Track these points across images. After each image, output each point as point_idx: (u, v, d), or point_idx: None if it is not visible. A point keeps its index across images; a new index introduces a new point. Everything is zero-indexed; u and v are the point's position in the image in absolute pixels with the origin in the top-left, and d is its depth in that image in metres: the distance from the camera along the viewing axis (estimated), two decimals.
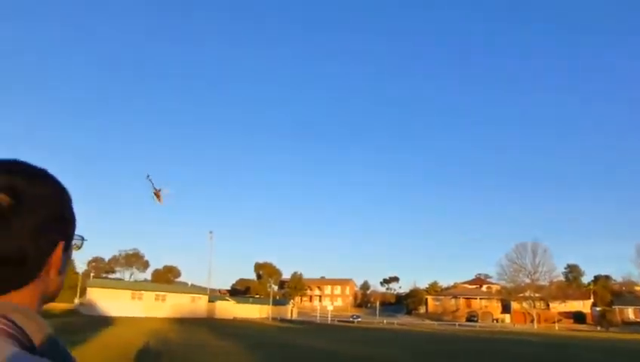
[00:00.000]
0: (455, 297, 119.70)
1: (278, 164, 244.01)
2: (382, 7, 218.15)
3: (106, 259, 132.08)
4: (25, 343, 0.79)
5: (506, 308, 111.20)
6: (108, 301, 66.46)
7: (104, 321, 47.99)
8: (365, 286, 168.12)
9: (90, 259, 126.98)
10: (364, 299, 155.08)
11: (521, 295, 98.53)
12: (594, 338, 54.93)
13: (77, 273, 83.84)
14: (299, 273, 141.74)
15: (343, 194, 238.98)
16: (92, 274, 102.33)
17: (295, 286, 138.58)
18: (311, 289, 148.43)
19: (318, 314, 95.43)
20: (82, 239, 1.09)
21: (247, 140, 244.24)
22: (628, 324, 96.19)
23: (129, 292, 71.97)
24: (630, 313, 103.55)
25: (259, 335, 40.65)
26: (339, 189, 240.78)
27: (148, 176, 43.02)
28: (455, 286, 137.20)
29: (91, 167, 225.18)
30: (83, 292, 75.70)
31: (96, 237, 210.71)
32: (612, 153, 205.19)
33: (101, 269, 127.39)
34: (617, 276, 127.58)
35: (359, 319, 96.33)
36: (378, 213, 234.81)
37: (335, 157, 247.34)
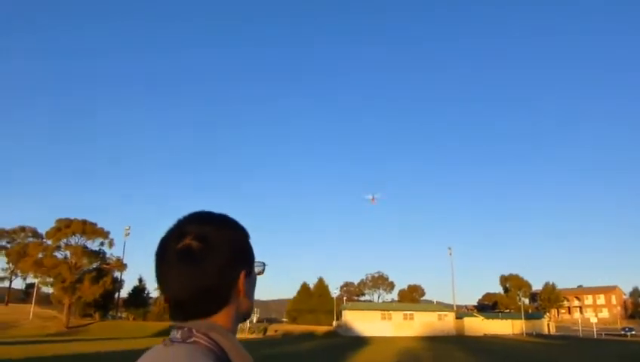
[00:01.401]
0: None
1: (510, 174, 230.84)
2: None
3: (356, 283, 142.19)
4: (222, 357, 1.07)
5: None
6: (361, 322, 71.31)
7: (360, 341, 51.67)
8: (636, 292, 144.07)
9: (342, 284, 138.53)
10: (636, 309, 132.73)
11: None
12: None
13: (332, 298, 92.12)
14: (551, 283, 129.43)
15: (592, 188, 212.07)
16: (345, 298, 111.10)
17: (548, 298, 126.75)
18: (568, 300, 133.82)
19: (580, 328, 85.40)
20: (263, 265, 1.33)
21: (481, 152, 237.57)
22: None
23: (379, 313, 75.92)
24: None
25: (512, 352, 38.70)
26: (590, 188, 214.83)
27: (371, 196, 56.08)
28: None
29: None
30: (339, 315, 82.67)
31: (346, 263, 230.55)
32: None
33: (352, 293, 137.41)
34: None
35: (633, 332, 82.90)
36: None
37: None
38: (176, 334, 1.11)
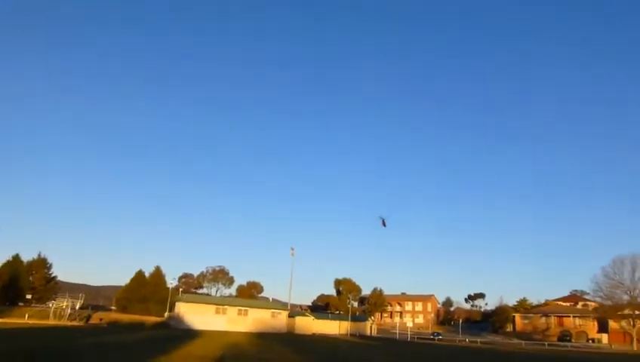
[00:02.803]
0: (546, 315, 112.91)
1: (360, 183, 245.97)
2: None
3: (195, 275, 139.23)
4: None
5: (603, 327, 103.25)
6: (194, 315, 70.17)
7: (190, 334, 50.93)
8: (448, 302, 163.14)
9: (180, 275, 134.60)
10: (446, 316, 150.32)
11: (620, 313, 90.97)
12: None
13: (168, 288, 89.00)
14: (379, 289, 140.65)
15: (423, 209, 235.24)
16: (181, 290, 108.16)
17: (375, 303, 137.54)
18: (391, 306, 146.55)
19: (398, 331, 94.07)
20: None
21: (333, 159, 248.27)
22: None
23: (214, 306, 75.44)
24: None
25: (332, 351, 41.27)
26: (419, 204, 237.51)
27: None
28: (546, 303, 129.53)
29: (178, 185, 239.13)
30: (172, 307, 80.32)
31: (186, 254, 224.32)
32: None
33: (190, 285, 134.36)
34: None
35: (440, 337, 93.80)
36: (461, 228, 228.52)
37: (421, 174, 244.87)
38: None
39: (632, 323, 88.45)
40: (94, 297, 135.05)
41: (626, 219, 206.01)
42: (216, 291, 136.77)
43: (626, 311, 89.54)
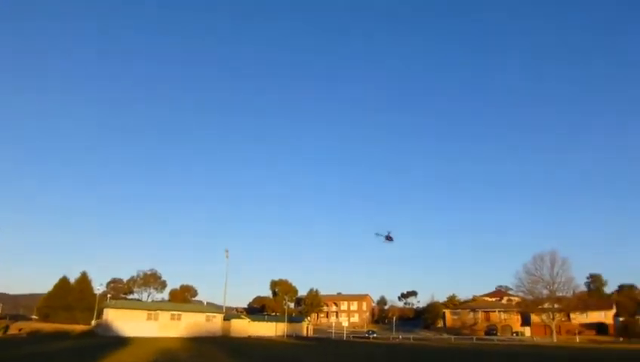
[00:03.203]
0: (473, 310, 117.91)
1: (294, 184, 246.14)
2: None
3: (125, 280, 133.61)
4: None
5: (526, 321, 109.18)
6: (124, 321, 67.23)
7: (119, 341, 48.74)
8: (383, 301, 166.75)
9: (109, 280, 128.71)
10: (381, 315, 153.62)
11: (540, 307, 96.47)
12: (613, 350, 53.99)
13: (95, 294, 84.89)
14: (315, 289, 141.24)
15: (357, 208, 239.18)
16: (109, 296, 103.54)
17: (311, 303, 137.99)
18: (327, 306, 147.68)
19: (333, 331, 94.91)
20: None
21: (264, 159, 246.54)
22: None
23: (145, 312, 72.64)
24: None
25: (267, 353, 40.93)
26: (353, 204, 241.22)
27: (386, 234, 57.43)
28: (474, 299, 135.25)
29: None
30: (100, 314, 76.67)
31: (115, 258, 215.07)
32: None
33: (120, 290, 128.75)
34: None
35: (374, 335, 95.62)
36: (394, 227, 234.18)
37: (348, 174, 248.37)
38: None
39: (551, 316, 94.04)
40: (13, 306, 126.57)
41: (547, 216, 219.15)
42: (148, 296, 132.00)
43: (546, 305, 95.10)
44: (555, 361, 34.94)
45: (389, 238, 57.28)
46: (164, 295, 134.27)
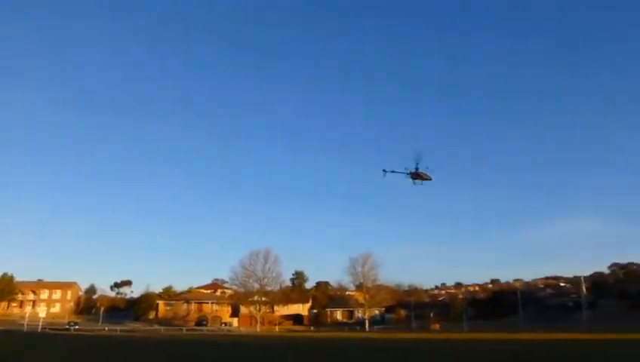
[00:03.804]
0: (187, 302, 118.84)
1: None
2: None
3: None
4: None
5: (235, 312, 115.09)
6: None
7: None
8: (92, 290, 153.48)
9: None
10: (88, 304, 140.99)
11: (250, 299, 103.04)
12: (299, 338, 60.46)
13: None
14: (9, 274, 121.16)
15: (70, 189, 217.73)
16: None
17: (3, 290, 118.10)
18: (24, 294, 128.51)
19: (26, 322, 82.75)
20: None
21: None
22: (336, 324, 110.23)
23: None
24: (339, 314, 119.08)
25: None
26: (71, 180, 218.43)
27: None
28: (190, 291, 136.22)
29: None
30: None
31: None
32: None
33: None
34: (335, 282, 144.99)
35: (77, 327, 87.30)
36: (111, 212, 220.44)
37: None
38: None
39: (258, 308, 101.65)
40: None
41: (262, 214, 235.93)
42: None
43: (255, 298, 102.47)
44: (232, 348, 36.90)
45: (418, 176, 38.78)
46: None
